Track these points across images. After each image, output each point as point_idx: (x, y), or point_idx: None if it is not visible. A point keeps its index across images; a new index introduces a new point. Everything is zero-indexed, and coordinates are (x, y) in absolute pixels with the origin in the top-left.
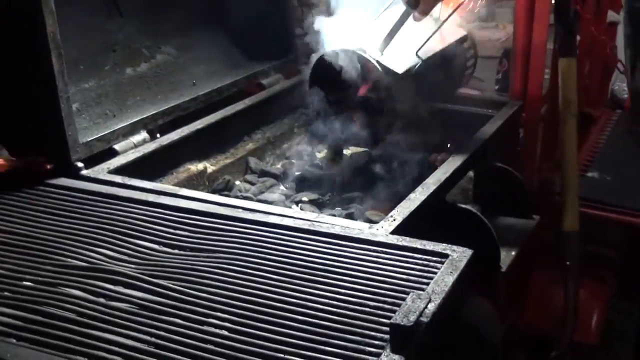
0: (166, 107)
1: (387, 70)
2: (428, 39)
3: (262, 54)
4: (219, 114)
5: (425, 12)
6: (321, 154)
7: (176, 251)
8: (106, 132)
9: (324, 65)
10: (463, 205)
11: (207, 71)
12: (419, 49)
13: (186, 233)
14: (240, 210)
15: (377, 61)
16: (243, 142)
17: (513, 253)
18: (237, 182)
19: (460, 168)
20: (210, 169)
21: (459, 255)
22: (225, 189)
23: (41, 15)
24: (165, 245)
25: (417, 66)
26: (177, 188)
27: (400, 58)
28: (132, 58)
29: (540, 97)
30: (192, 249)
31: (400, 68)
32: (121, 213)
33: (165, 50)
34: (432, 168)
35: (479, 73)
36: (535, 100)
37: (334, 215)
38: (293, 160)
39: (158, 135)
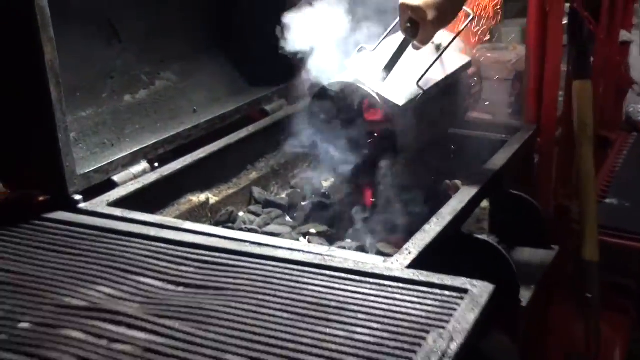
0: (166, 135)
1: (387, 103)
2: (429, 69)
3: (265, 79)
4: (221, 142)
5: (425, 42)
6: (327, 182)
7: (181, 289)
8: (104, 163)
9: (323, 97)
10: (480, 236)
11: (209, 97)
12: (420, 79)
13: (191, 269)
14: (247, 244)
15: (377, 93)
16: (246, 171)
17: (533, 286)
18: (241, 214)
19: (476, 197)
20: (213, 199)
21: (480, 290)
22: (229, 221)
23: (39, 43)
24: (169, 282)
25: (418, 97)
26: (179, 221)
27: (401, 89)
28: (131, 85)
29: (555, 121)
30: (197, 286)
31: (400, 100)
32: (121, 248)
33: (165, 76)
34: (446, 197)
35: (490, 96)
36: (550, 124)
37: (345, 248)
38: (298, 190)
39: (156, 164)
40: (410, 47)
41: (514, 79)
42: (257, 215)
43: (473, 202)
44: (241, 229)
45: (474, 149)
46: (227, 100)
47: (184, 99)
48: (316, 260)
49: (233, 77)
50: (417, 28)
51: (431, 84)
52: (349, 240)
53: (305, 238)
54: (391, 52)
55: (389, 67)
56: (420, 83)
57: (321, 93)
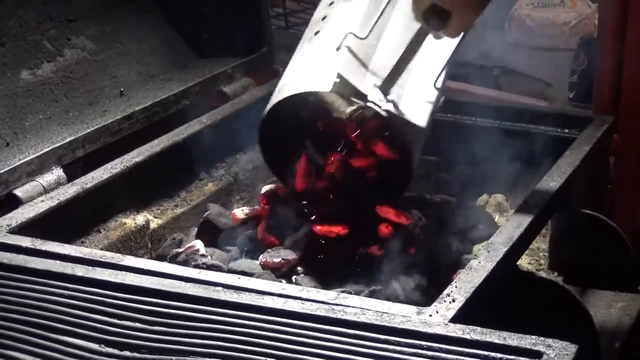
0: (86, 130)
1: (404, 124)
2: (448, 63)
3: (222, 48)
4: (163, 140)
5: (459, 32)
6: None
7: (126, 354)
8: (1, 171)
9: (282, 120)
10: (545, 276)
11: (141, 74)
12: (438, 79)
13: (138, 325)
14: (219, 289)
15: (387, 111)
16: (199, 182)
17: (617, 345)
18: (197, 243)
19: (537, 219)
20: (155, 222)
21: (559, 353)
22: (178, 255)
23: None
24: (108, 344)
25: (439, 104)
26: (117, 255)
27: (411, 100)
28: (30, 55)
29: None
30: (150, 350)
31: (421, 118)
32: (37, 295)
33: (77, 42)
34: (488, 219)
35: (542, 73)
36: (635, 115)
37: (351, 293)
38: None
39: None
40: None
41: (577, 50)
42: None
43: (533, 228)
44: (197, 266)
45: (524, 149)
46: (167, 78)
47: (105, 75)
48: (321, 311)
49: (175, 43)
50: (444, 16)
51: (443, 80)
52: (352, 282)
53: (291, 279)
54: (392, 47)
55: (397, 70)
56: (437, 84)
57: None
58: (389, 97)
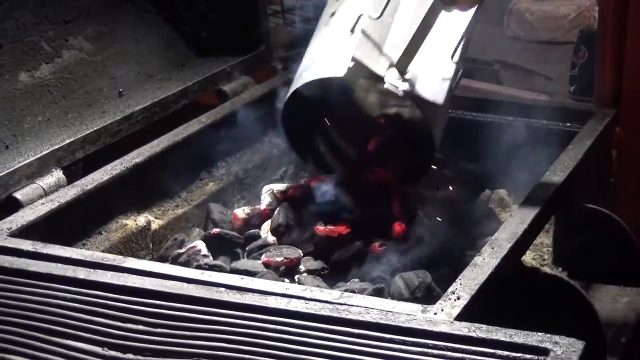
0: (85, 131)
1: (422, 104)
2: (465, 36)
3: (221, 46)
4: (163, 140)
5: (472, 3)
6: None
7: (129, 356)
8: (1, 174)
9: (304, 104)
10: (549, 271)
11: (139, 74)
12: (455, 52)
13: (142, 328)
14: (221, 289)
15: (405, 91)
16: (200, 182)
17: (623, 340)
18: (199, 243)
19: (541, 215)
20: (156, 223)
21: (565, 350)
22: (180, 255)
23: None
24: (111, 347)
25: (457, 80)
26: (119, 257)
27: (428, 77)
28: (28, 57)
29: None
30: (153, 353)
31: (438, 95)
32: (38, 299)
33: (75, 43)
34: (490, 215)
35: (542, 67)
36: (636, 107)
37: (355, 292)
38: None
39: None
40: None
41: (577, 42)
42: None
43: (537, 223)
44: (199, 266)
45: (522, 144)
46: (166, 77)
47: (103, 76)
48: (325, 311)
49: (172, 43)
50: None
51: (460, 55)
52: (355, 280)
53: (293, 278)
54: (405, 17)
55: (412, 48)
56: (454, 58)
57: (297, 100)
58: (405, 77)
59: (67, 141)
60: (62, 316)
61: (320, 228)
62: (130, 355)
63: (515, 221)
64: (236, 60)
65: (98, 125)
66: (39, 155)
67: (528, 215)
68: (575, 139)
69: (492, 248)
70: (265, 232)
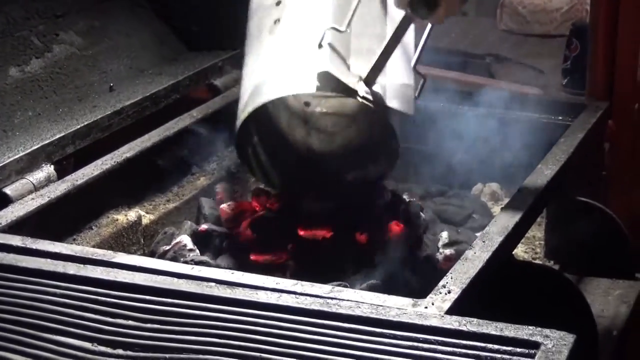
0: (75, 126)
1: (393, 115)
2: (424, 45)
3: (212, 41)
4: (154, 135)
5: (447, 16)
6: None
7: (120, 352)
8: None
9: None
10: (541, 264)
11: (130, 68)
12: (417, 61)
13: (132, 323)
14: (212, 284)
15: (376, 104)
16: (191, 177)
17: (614, 333)
18: (184, 238)
19: (532, 208)
20: (147, 218)
21: (556, 343)
22: (166, 252)
23: None
24: (101, 343)
25: (420, 89)
26: (109, 252)
27: (395, 88)
28: (17, 51)
29: (634, 95)
30: (143, 348)
31: (408, 106)
32: (28, 294)
33: (66, 38)
34: (483, 208)
35: (535, 60)
36: (628, 100)
37: (346, 286)
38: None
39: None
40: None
41: (570, 36)
42: None
43: (529, 216)
44: (187, 262)
45: (514, 137)
46: (157, 72)
47: (94, 71)
48: (316, 305)
49: (164, 37)
50: (433, 3)
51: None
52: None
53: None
54: (371, 29)
55: (381, 61)
56: (418, 67)
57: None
58: (374, 89)
59: (58, 136)
60: (52, 312)
61: (302, 232)
62: (120, 351)
63: (506, 214)
64: (227, 55)
65: (89, 120)
66: (29, 151)
67: (520, 208)
68: (567, 132)
69: (483, 242)
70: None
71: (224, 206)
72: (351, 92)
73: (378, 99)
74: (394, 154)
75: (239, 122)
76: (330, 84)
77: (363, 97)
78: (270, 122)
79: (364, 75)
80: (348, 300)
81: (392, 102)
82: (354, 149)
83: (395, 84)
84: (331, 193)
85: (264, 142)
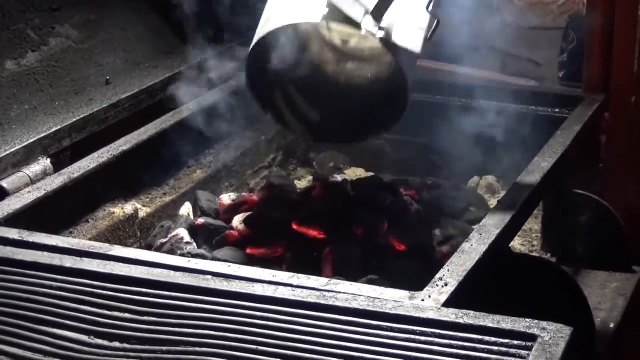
0: (72, 119)
1: (400, 53)
2: None
3: (207, 34)
4: (150, 128)
5: None
6: (302, 182)
7: (116, 344)
8: None
9: (268, 55)
10: (538, 256)
11: (126, 61)
12: (430, 3)
13: (128, 316)
14: (209, 277)
15: (381, 38)
16: (188, 170)
17: (611, 325)
18: (181, 231)
19: (528, 201)
20: (143, 211)
21: (553, 335)
22: (163, 245)
23: None
24: (98, 335)
25: (432, 30)
26: (105, 245)
27: (404, 26)
28: (14, 45)
29: (630, 87)
30: (139, 340)
31: (415, 44)
32: (24, 287)
33: (62, 31)
34: (479, 201)
35: (532, 53)
36: (625, 93)
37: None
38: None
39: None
40: None
41: (566, 28)
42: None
43: (525, 209)
44: (183, 255)
45: (511, 130)
46: (153, 65)
47: (90, 64)
48: (312, 298)
49: (159, 30)
50: None
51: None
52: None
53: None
54: None
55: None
56: (429, 8)
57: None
58: (381, 24)
59: (54, 129)
60: (49, 304)
61: (296, 226)
62: (116, 343)
63: (503, 207)
64: (223, 48)
65: (85, 113)
66: (26, 143)
67: (516, 201)
68: (564, 125)
69: (480, 234)
70: (237, 221)
71: (223, 197)
72: (354, 24)
73: (384, 33)
74: (402, 103)
75: (248, 50)
76: (335, 14)
77: (367, 29)
78: (290, 51)
79: (371, 7)
80: (344, 292)
81: (399, 39)
82: (368, 87)
83: (405, 22)
84: (341, 117)
85: (278, 76)
